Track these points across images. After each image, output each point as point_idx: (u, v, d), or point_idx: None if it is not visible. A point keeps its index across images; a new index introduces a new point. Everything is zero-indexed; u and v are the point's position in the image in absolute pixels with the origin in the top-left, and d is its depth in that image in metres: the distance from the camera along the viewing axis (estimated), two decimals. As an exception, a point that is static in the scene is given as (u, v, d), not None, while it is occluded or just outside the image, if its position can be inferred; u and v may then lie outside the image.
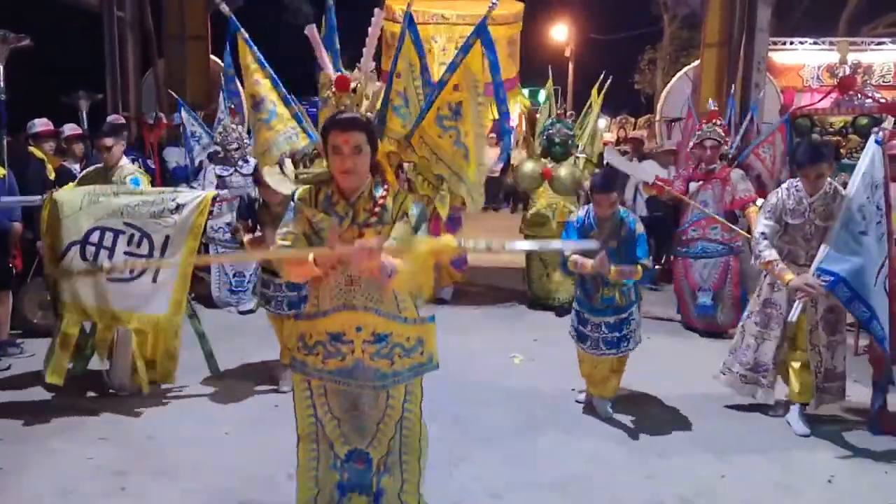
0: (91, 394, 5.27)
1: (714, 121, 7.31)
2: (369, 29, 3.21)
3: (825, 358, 4.85)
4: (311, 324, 3.06)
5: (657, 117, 13.76)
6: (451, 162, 4.97)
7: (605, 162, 8.25)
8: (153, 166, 8.68)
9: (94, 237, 4.96)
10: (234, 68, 6.23)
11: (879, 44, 14.76)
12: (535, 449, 4.57)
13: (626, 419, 5.03)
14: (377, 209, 2.92)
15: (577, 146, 8.31)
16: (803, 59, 14.52)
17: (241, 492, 3.96)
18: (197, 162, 8.72)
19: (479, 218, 17.16)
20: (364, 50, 3.19)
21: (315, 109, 6.42)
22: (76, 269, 4.86)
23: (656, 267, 9.23)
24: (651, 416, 5.10)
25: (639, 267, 4.72)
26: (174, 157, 9.09)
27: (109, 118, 9.18)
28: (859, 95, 9.34)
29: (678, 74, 13.55)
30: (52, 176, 7.14)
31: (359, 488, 3.21)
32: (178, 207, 5.07)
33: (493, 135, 21.09)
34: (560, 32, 29.29)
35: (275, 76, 4.32)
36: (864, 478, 4.27)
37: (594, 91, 8.58)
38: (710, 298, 7.14)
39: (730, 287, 7.13)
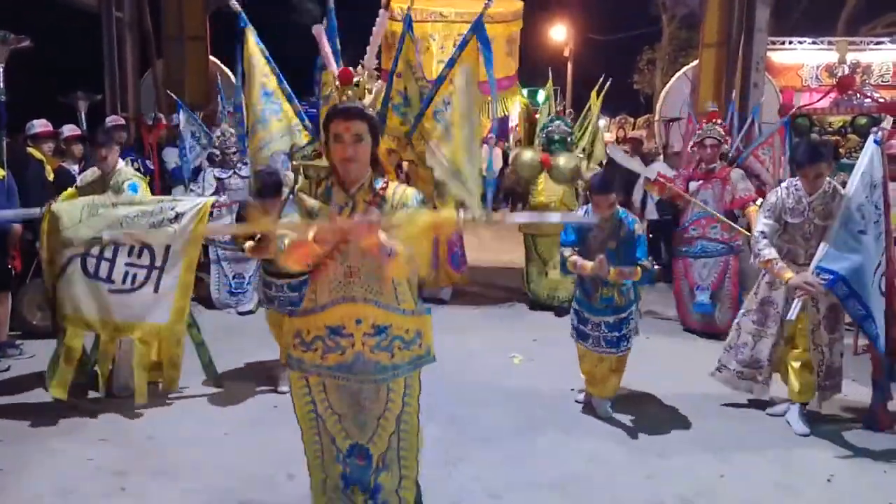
0: (91, 394, 5.26)
1: (714, 120, 7.31)
2: (374, 28, 3.22)
3: (827, 356, 4.86)
4: (307, 319, 3.05)
5: (656, 117, 13.77)
6: (453, 165, 4.99)
7: (607, 158, 8.27)
8: (152, 167, 8.69)
9: (95, 249, 4.96)
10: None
11: (878, 43, 14.78)
12: (535, 449, 4.57)
13: (626, 419, 5.03)
14: (377, 200, 2.92)
15: (576, 145, 8.32)
16: (802, 58, 14.53)
17: (240, 492, 3.96)
18: (197, 163, 8.71)
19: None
20: (368, 48, 3.19)
21: (314, 110, 6.44)
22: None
23: (656, 266, 9.25)
24: (651, 416, 5.10)
25: (638, 268, 4.73)
26: (173, 157, 9.08)
27: (108, 119, 9.18)
28: (858, 95, 9.35)
29: (677, 74, 13.56)
30: (50, 177, 7.14)
31: (359, 484, 3.21)
32: (178, 216, 5.07)
33: (493, 135, 21.07)
34: (559, 32, 29.28)
35: (280, 75, 4.34)
36: (863, 477, 4.27)
37: (593, 94, 8.58)
38: (708, 297, 7.14)
39: (729, 286, 7.13)
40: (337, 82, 2.99)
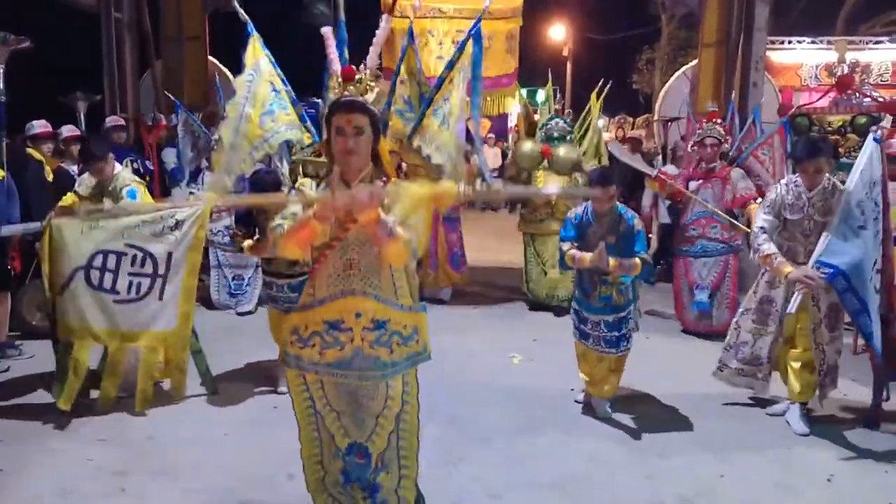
0: (91, 394, 5.26)
1: (714, 120, 7.32)
2: (377, 31, 3.24)
3: (827, 355, 4.87)
4: (305, 315, 3.04)
5: (655, 117, 13.79)
6: (446, 146, 5.03)
7: (608, 155, 8.27)
8: (152, 167, 8.69)
9: (98, 261, 4.96)
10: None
11: (877, 42, 14.80)
12: (535, 449, 4.57)
13: (626, 419, 5.03)
14: None
15: (579, 144, 8.31)
16: (801, 58, 14.56)
17: (240, 492, 3.96)
18: (196, 164, 8.71)
19: (479, 218, 17.19)
20: (370, 49, 3.21)
21: (314, 111, 6.45)
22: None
23: (662, 264, 9.26)
24: (650, 416, 5.10)
25: (637, 261, 4.72)
26: (173, 158, 9.08)
27: (108, 119, 9.16)
28: (857, 94, 9.36)
29: (676, 74, 13.59)
30: (49, 177, 7.13)
31: (359, 482, 3.20)
32: (178, 224, 5.08)
33: (492, 135, 21.11)
34: (558, 32, 29.27)
35: (285, 79, 4.35)
36: (863, 477, 4.27)
37: (593, 96, 8.59)
38: (707, 296, 7.14)
39: (728, 286, 7.13)
40: (339, 79, 3.00)
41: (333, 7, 3.97)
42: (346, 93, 2.97)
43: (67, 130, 8.09)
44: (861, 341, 6.22)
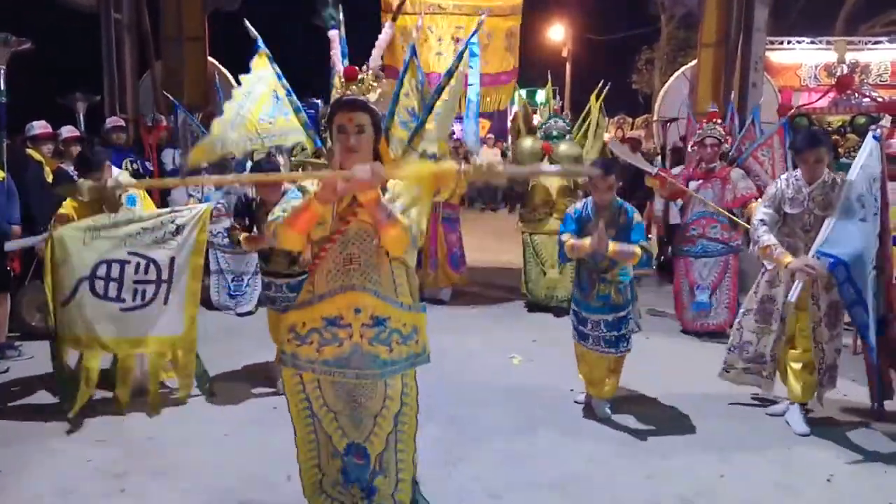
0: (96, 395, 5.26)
1: (714, 120, 7.32)
2: (380, 35, 3.25)
3: (827, 353, 4.86)
4: (303, 312, 3.03)
5: (654, 117, 13.79)
6: (447, 153, 5.05)
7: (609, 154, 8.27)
8: (151, 168, 8.69)
9: (102, 271, 4.97)
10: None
11: (876, 43, 14.82)
12: (535, 449, 4.57)
13: (626, 419, 5.03)
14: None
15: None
16: (800, 58, 14.58)
17: (240, 492, 3.96)
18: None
19: (478, 219, 17.21)
20: (373, 50, 3.21)
21: (313, 111, 6.45)
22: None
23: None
24: (650, 417, 5.10)
25: (637, 248, 4.71)
26: (173, 158, 9.09)
27: (108, 120, 9.16)
28: (857, 95, 9.36)
29: (675, 74, 13.59)
30: (49, 178, 7.14)
31: (359, 482, 3.18)
32: (179, 229, 5.10)
33: (492, 136, 21.11)
34: (557, 33, 29.29)
35: (290, 90, 4.36)
36: (863, 477, 4.27)
37: (592, 98, 8.60)
38: (708, 297, 7.14)
39: (728, 286, 7.13)
40: (342, 79, 3.01)
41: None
42: (348, 92, 2.97)
43: (67, 131, 8.10)
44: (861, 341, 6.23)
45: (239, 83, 4.18)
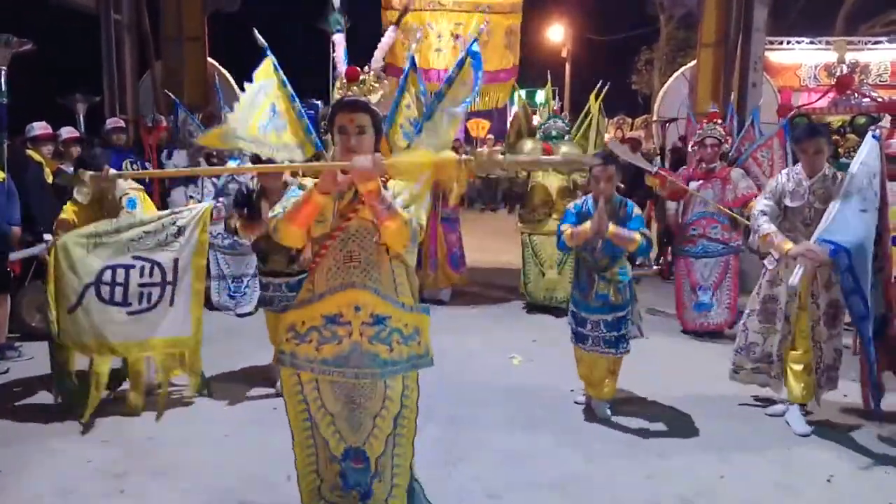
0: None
1: (715, 121, 7.33)
2: (383, 38, 3.26)
3: (825, 353, 4.86)
4: (303, 311, 3.01)
5: (654, 118, 13.79)
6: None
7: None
8: (151, 168, 8.69)
9: (107, 276, 5.00)
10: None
11: (876, 43, 14.81)
12: (535, 449, 4.57)
13: (626, 420, 5.03)
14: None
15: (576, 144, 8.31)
16: (800, 58, 14.57)
17: (240, 492, 3.96)
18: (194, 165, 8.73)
19: (478, 219, 17.22)
20: (375, 52, 3.23)
21: (313, 112, 6.45)
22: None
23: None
24: (650, 417, 5.10)
25: (636, 235, 4.71)
26: (174, 160, 9.09)
27: (108, 121, 9.17)
28: (856, 95, 9.36)
29: (675, 75, 13.58)
30: (49, 179, 7.14)
31: (358, 488, 3.14)
32: (181, 230, 5.14)
33: (491, 136, 21.13)
34: (557, 33, 29.29)
35: (294, 95, 4.37)
36: (863, 478, 4.27)
37: (592, 97, 8.61)
38: (710, 297, 7.15)
39: (728, 286, 7.14)
40: (344, 80, 3.03)
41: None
42: (349, 93, 2.98)
43: (67, 132, 8.10)
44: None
45: (242, 88, 4.20)
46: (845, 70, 13.35)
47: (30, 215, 6.37)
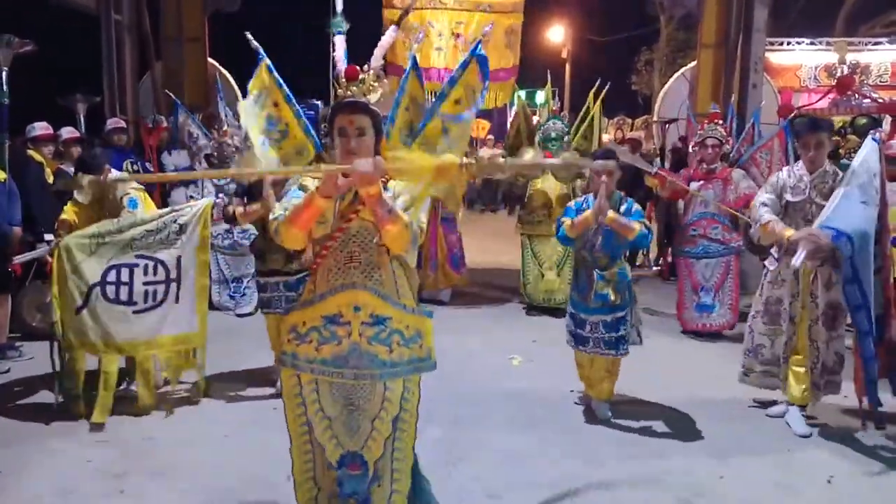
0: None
1: (715, 121, 7.33)
2: (383, 37, 3.25)
3: (822, 354, 4.82)
4: (305, 312, 3.00)
5: (654, 118, 13.80)
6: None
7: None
8: (152, 169, 8.69)
9: (112, 276, 5.03)
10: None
11: (876, 44, 14.81)
12: (535, 449, 4.57)
13: (626, 420, 5.03)
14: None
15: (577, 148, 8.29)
16: (800, 59, 14.57)
17: (240, 492, 3.97)
18: (195, 164, 8.74)
19: (478, 220, 17.22)
20: (375, 51, 3.21)
21: (312, 112, 6.44)
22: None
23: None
24: (650, 417, 5.10)
25: (636, 224, 4.71)
26: (172, 160, 9.09)
27: (109, 121, 9.17)
28: (857, 95, 9.35)
29: (675, 75, 13.59)
30: (50, 179, 7.15)
31: (356, 496, 3.07)
32: (182, 227, 5.16)
33: (491, 136, 21.13)
34: (557, 34, 29.28)
35: (290, 96, 4.36)
36: (863, 478, 4.27)
37: (590, 97, 8.59)
38: (712, 298, 7.15)
39: (730, 286, 7.14)
40: (343, 79, 3.00)
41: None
42: (348, 93, 2.96)
43: (67, 132, 8.10)
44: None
45: (243, 89, 4.21)
46: (846, 71, 13.35)
47: (30, 215, 6.38)
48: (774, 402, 5.19)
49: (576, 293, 5.05)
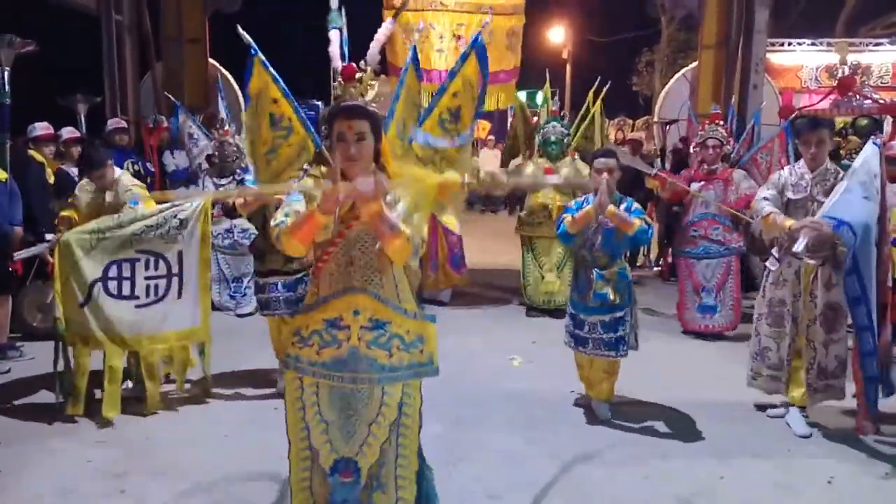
0: (95, 395, 5.26)
1: (717, 122, 7.33)
2: (379, 30, 3.22)
3: (819, 355, 4.80)
4: (309, 316, 2.99)
5: (655, 119, 13.80)
6: (450, 156, 5.07)
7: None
8: (152, 169, 8.71)
9: (113, 271, 5.04)
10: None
11: (877, 44, 14.80)
12: (535, 449, 4.57)
13: (626, 420, 5.03)
14: None
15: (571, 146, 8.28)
16: (801, 60, 14.56)
17: (240, 493, 3.96)
18: (195, 165, 8.75)
19: (478, 220, 17.22)
20: (371, 45, 3.19)
21: (313, 112, 6.45)
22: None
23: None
24: (650, 417, 5.10)
25: (637, 220, 4.70)
26: (173, 160, 9.10)
27: (110, 121, 9.18)
28: (858, 96, 9.33)
29: (676, 76, 13.59)
30: (51, 179, 7.15)
31: (345, 503, 3.02)
32: (183, 222, 5.15)
33: (492, 137, 21.12)
34: (557, 35, 29.28)
35: (287, 91, 4.36)
36: (864, 479, 4.26)
37: (590, 96, 8.57)
38: (713, 298, 7.15)
39: (731, 286, 7.14)
40: (340, 79, 2.98)
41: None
42: (346, 95, 2.94)
43: (67, 132, 8.11)
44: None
45: (243, 89, 4.21)
46: (847, 71, 13.35)
47: (31, 216, 6.38)
48: (775, 403, 5.18)
49: (575, 293, 5.05)
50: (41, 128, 7.64)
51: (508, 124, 15.20)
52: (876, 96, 9.62)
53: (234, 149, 7.84)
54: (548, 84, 9.23)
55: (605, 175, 4.74)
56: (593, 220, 4.80)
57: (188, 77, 11.22)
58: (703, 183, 7.16)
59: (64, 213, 5.36)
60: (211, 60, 11.56)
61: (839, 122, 10.12)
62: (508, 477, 4.18)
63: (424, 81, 7.80)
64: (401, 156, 5.66)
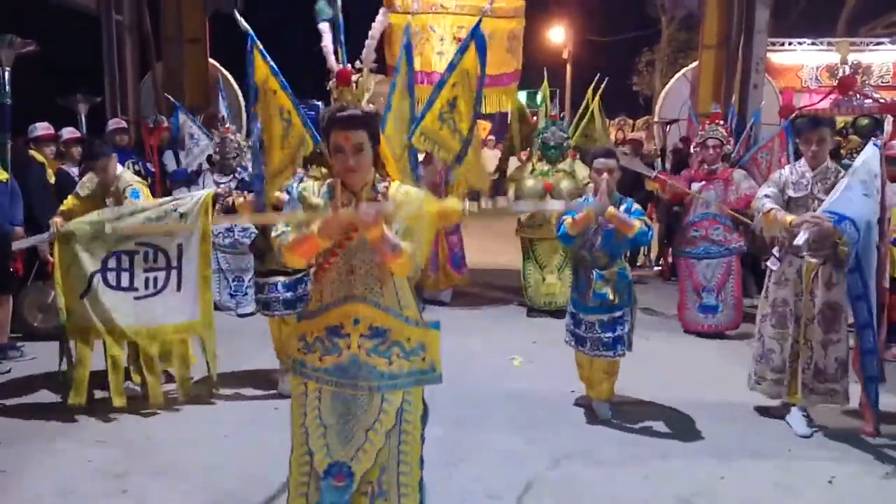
0: (96, 395, 5.26)
1: (717, 122, 7.33)
2: (373, 24, 3.21)
3: (817, 355, 4.78)
4: (312, 322, 2.99)
5: (655, 119, 13.79)
6: (451, 148, 5.06)
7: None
8: (153, 169, 8.70)
9: (112, 263, 5.07)
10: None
11: (878, 44, 14.80)
12: (535, 449, 4.57)
13: (626, 420, 5.03)
14: (379, 199, 2.85)
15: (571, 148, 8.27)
16: (802, 59, 14.56)
17: (240, 492, 3.97)
18: (196, 165, 8.75)
19: (478, 220, 17.16)
20: (366, 42, 3.18)
21: (313, 113, 6.44)
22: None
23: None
24: (650, 417, 5.10)
25: (637, 221, 4.69)
26: (173, 160, 9.10)
27: (110, 122, 9.18)
28: (858, 96, 9.33)
29: (676, 76, 13.58)
30: (51, 179, 7.15)
31: None
32: (183, 216, 5.16)
33: (492, 137, 21.13)
34: (557, 34, 29.27)
35: (286, 84, 4.35)
36: (864, 479, 4.26)
37: (589, 93, 8.56)
38: (714, 298, 7.15)
39: (732, 287, 7.14)
40: (335, 81, 2.96)
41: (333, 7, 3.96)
42: (342, 100, 2.91)
43: (68, 132, 8.11)
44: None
45: (243, 89, 4.21)
46: (847, 71, 13.34)
47: (32, 216, 6.38)
48: (776, 407, 5.17)
49: (575, 293, 5.05)
50: (42, 128, 7.65)
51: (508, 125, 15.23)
52: (876, 96, 9.61)
53: (236, 146, 7.83)
54: (546, 83, 9.22)
55: (605, 175, 4.74)
56: (593, 220, 4.80)
57: (188, 77, 11.22)
58: (703, 183, 7.15)
59: (64, 208, 5.37)
60: (211, 60, 11.56)
61: (840, 121, 10.13)
62: (508, 477, 4.17)
63: (425, 84, 7.79)
64: (400, 155, 5.67)
